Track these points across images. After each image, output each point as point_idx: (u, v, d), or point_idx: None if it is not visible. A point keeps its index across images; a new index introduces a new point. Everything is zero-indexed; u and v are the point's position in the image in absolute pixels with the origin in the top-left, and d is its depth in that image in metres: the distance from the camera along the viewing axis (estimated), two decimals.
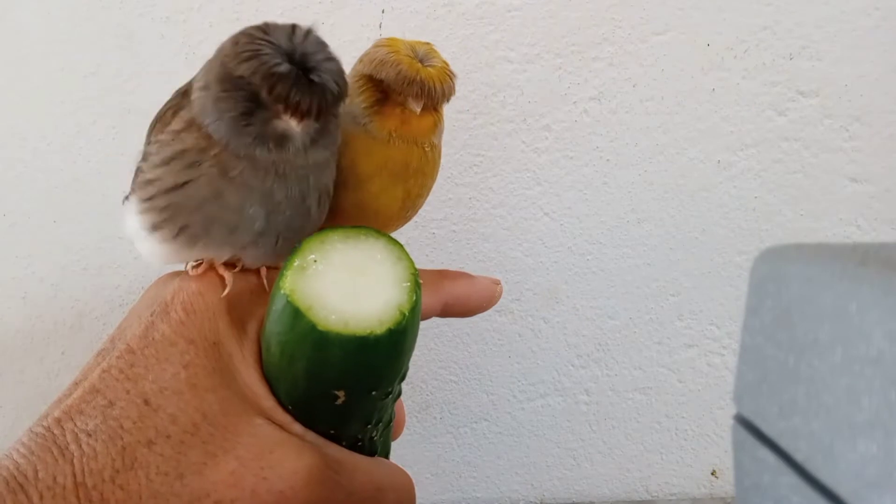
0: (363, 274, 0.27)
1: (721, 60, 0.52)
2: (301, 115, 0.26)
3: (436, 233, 0.54)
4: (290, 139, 0.27)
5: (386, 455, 0.32)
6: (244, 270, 0.30)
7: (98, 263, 0.52)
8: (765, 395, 0.21)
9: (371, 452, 0.30)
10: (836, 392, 0.17)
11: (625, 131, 0.53)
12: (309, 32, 0.27)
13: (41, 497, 0.22)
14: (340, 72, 0.27)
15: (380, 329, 0.25)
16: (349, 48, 0.50)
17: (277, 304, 0.26)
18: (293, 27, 0.27)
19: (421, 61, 0.30)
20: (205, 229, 0.28)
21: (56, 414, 0.24)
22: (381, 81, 0.30)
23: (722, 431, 0.58)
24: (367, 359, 0.25)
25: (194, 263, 0.29)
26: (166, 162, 0.28)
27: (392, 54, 0.30)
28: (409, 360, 0.28)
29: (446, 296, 0.32)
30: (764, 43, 0.52)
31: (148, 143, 0.30)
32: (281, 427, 0.26)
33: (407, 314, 0.26)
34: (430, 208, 0.53)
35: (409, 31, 0.50)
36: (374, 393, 0.27)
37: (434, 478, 0.58)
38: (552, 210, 0.54)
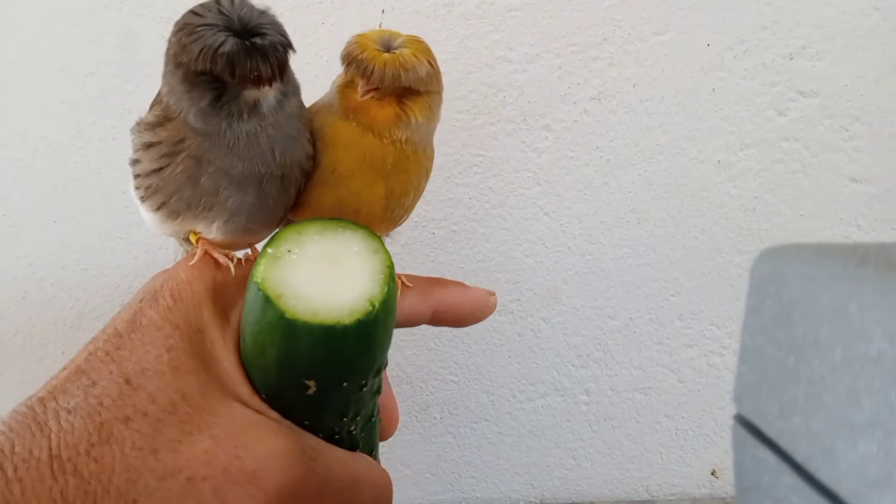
0: (338, 265, 0.27)
1: (721, 60, 0.52)
2: (265, 80, 0.27)
3: (436, 233, 0.54)
4: (261, 104, 0.28)
5: (370, 452, 0.31)
6: (230, 259, 0.31)
7: (98, 263, 0.52)
8: (765, 395, 0.21)
9: (351, 448, 0.29)
10: (836, 392, 0.17)
11: (625, 131, 0.53)
12: None
13: (15, 469, 0.22)
14: (278, 22, 0.28)
15: (348, 319, 0.25)
16: None
17: (250, 293, 0.26)
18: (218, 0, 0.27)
19: (384, 47, 0.29)
20: (182, 209, 0.30)
21: (40, 394, 0.25)
22: (341, 60, 0.30)
23: (722, 431, 0.58)
24: (336, 349, 0.25)
25: (193, 254, 0.30)
26: (145, 147, 0.30)
27: (357, 36, 0.30)
28: (382, 353, 0.28)
29: (436, 302, 0.32)
30: (764, 43, 0.52)
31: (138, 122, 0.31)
32: (258, 412, 0.26)
33: (377, 306, 0.26)
34: (430, 208, 0.53)
35: (408, 31, 0.50)
36: (345, 384, 0.27)
37: (434, 478, 0.58)
38: (552, 210, 0.54)
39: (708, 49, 0.52)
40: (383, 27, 0.50)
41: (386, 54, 0.29)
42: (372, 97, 0.30)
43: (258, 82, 0.27)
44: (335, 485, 0.26)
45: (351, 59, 0.29)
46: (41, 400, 0.24)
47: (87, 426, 0.23)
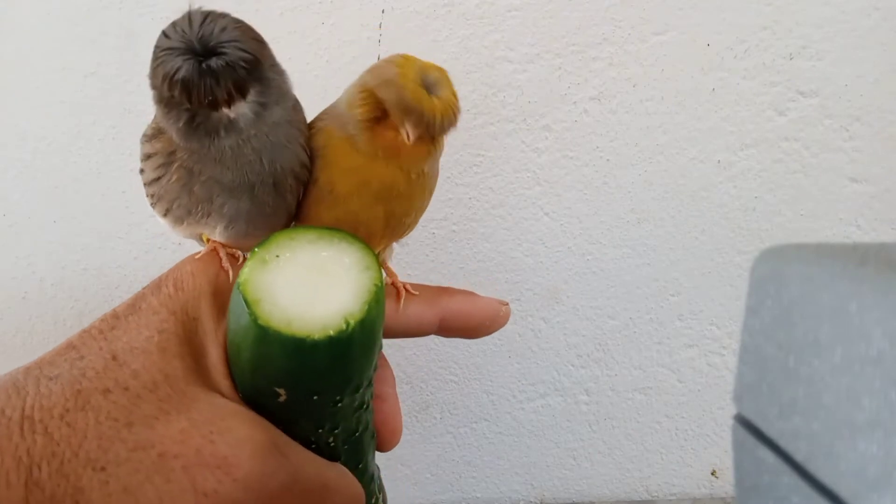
0: (325, 276, 0.26)
1: (721, 60, 0.52)
2: (220, 103, 0.27)
3: (436, 233, 0.54)
4: (237, 119, 0.28)
5: (355, 465, 0.31)
6: (236, 259, 0.31)
7: (98, 263, 0.52)
8: (765, 395, 0.21)
9: (330, 459, 0.29)
10: (836, 392, 0.17)
11: (625, 131, 0.53)
12: (203, 15, 0.27)
13: None
14: (245, 36, 0.27)
15: (319, 334, 0.25)
16: (349, 48, 0.50)
17: (233, 294, 0.26)
18: (188, 16, 0.27)
19: (428, 89, 0.29)
20: (184, 214, 0.30)
21: (28, 364, 0.25)
22: (382, 100, 0.29)
23: (722, 431, 0.58)
24: (305, 362, 0.25)
25: (203, 249, 0.31)
26: (145, 158, 0.30)
27: (401, 76, 0.29)
28: (360, 372, 0.27)
29: (443, 311, 0.32)
30: (764, 43, 0.52)
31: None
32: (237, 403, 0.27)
33: (352, 324, 0.25)
34: (430, 208, 0.53)
35: (408, 31, 0.50)
36: (315, 398, 0.27)
37: (434, 478, 0.58)
38: (552, 210, 0.54)
39: (708, 49, 0.52)
40: (383, 27, 0.50)
41: (437, 101, 0.29)
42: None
43: (214, 106, 0.27)
44: (304, 485, 0.26)
45: (409, 109, 0.28)
46: (27, 369, 0.25)
47: (65, 392, 0.24)
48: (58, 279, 0.52)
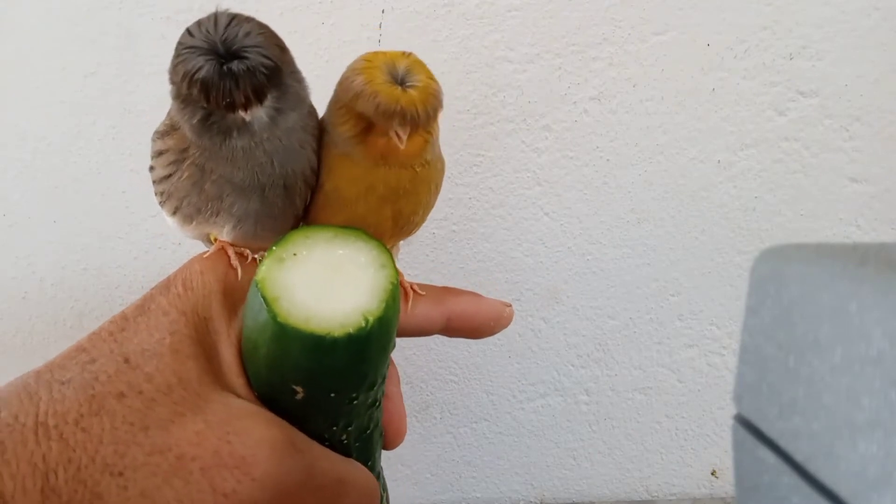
0: (342, 275, 0.27)
1: (721, 60, 0.52)
2: (237, 106, 0.27)
3: (436, 233, 0.54)
4: (252, 122, 0.28)
5: (365, 463, 0.31)
6: (244, 258, 0.31)
7: (98, 263, 0.52)
8: (765, 395, 0.21)
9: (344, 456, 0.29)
10: (836, 392, 0.17)
11: (625, 131, 0.53)
12: (229, 17, 0.27)
13: None
14: (268, 42, 0.27)
15: (338, 332, 0.25)
16: (349, 48, 0.50)
17: (250, 291, 0.26)
18: (215, 17, 0.27)
19: (401, 82, 0.28)
20: (193, 213, 0.30)
21: (39, 368, 0.25)
22: (361, 113, 0.29)
23: (722, 431, 0.58)
24: (324, 360, 0.25)
25: (210, 248, 0.31)
26: (157, 155, 0.30)
27: (368, 84, 0.28)
28: (375, 370, 0.28)
29: (449, 311, 0.32)
30: (764, 43, 0.52)
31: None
32: (252, 402, 0.27)
33: (371, 322, 0.25)
34: None
35: (408, 31, 0.50)
36: (332, 395, 0.27)
37: (434, 478, 0.58)
38: (552, 210, 0.54)
39: (708, 49, 0.52)
40: (383, 27, 0.50)
41: (414, 93, 0.28)
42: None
43: (231, 108, 0.27)
44: (320, 481, 0.26)
45: (390, 114, 0.28)
46: (37, 373, 0.25)
47: (78, 397, 0.24)
48: (58, 279, 0.52)
